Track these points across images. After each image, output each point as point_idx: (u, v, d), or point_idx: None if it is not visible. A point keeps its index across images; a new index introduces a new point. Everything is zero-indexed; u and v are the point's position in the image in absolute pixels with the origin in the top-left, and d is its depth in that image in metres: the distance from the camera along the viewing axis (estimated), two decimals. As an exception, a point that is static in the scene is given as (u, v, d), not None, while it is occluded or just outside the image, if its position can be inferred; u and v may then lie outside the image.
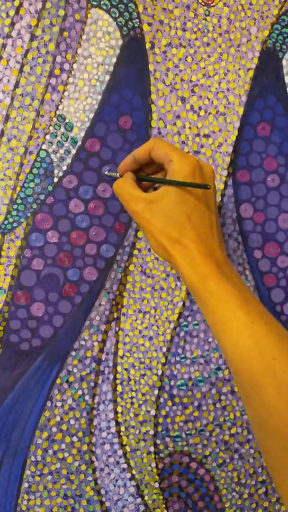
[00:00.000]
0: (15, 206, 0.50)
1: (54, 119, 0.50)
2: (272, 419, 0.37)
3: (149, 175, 0.49)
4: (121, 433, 0.54)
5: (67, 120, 0.50)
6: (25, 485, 0.52)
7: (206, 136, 0.53)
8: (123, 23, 0.50)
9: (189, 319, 0.55)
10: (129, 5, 0.50)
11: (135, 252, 0.53)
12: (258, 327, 0.40)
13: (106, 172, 0.51)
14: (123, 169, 0.48)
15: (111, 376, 0.53)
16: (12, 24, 0.48)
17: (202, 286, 0.42)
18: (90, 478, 0.54)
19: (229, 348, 0.40)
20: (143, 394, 0.54)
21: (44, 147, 0.50)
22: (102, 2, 0.50)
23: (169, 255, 0.44)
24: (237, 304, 0.41)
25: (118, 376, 0.54)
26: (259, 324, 0.40)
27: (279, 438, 0.37)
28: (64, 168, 0.50)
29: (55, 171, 0.50)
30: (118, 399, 0.54)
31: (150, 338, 0.54)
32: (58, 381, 0.52)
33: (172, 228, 0.43)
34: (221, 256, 0.44)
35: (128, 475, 0.55)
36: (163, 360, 0.55)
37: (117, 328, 0.53)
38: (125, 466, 0.55)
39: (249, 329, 0.39)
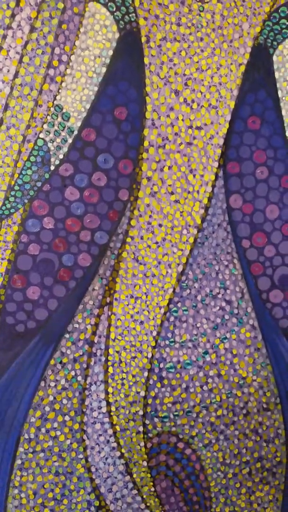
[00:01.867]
0: (12, 193, 0.52)
1: (52, 109, 0.52)
2: None
3: None
4: (112, 413, 0.56)
5: (64, 110, 0.52)
6: (18, 461, 0.54)
7: (199, 128, 0.55)
8: (119, 17, 0.52)
9: (179, 304, 0.57)
10: (126, -1, 0.52)
11: (128, 239, 0.55)
12: None
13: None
14: None
15: (103, 358, 0.56)
16: (13, 15, 0.50)
17: None
18: (81, 456, 0.56)
19: None
20: (134, 376, 0.56)
21: (41, 135, 0.52)
22: (100, -4, 0.51)
23: None
24: None
25: (109, 358, 0.56)
26: None
27: None
28: (61, 156, 0.52)
29: (52, 159, 0.52)
30: (109, 380, 0.56)
31: (141, 322, 0.56)
32: (52, 362, 0.54)
33: None
34: None
35: (118, 453, 0.57)
36: (153, 344, 0.57)
37: (109, 312, 0.55)
38: (115, 445, 0.57)
39: None
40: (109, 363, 0.56)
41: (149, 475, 0.58)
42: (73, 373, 0.55)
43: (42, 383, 0.54)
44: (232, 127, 0.56)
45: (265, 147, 0.56)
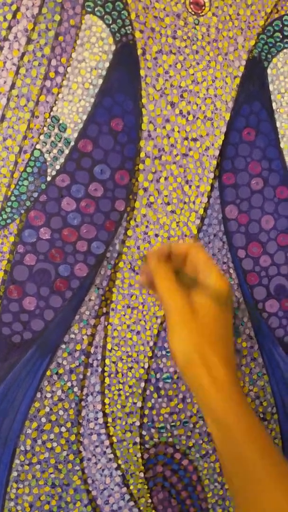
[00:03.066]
0: (9, 203, 0.52)
1: (48, 120, 0.52)
2: None
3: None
4: (108, 424, 0.56)
5: (60, 121, 0.52)
6: (14, 473, 0.54)
7: (194, 139, 0.56)
8: (116, 30, 0.52)
9: (175, 315, 0.57)
10: (122, 12, 0.52)
11: (125, 249, 0.55)
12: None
13: (141, 254, 0.52)
14: (157, 256, 0.46)
15: (100, 369, 0.55)
16: (9, 27, 0.50)
17: (222, 407, 0.40)
18: (77, 468, 0.56)
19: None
20: (130, 387, 0.56)
21: (38, 146, 0.52)
22: (96, 9, 0.52)
23: (192, 366, 0.42)
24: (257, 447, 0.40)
25: (106, 368, 0.56)
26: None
27: None
28: (57, 167, 0.52)
29: (49, 170, 0.52)
30: (106, 391, 0.56)
31: (138, 333, 0.56)
32: (48, 373, 0.54)
33: (205, 344, 0.42)
34: (235, 377, 0.43)
35: (114, 465, 0.57)
36: (149, 354, 0.57)
37: (106, 323, 0.55)
38: (111, 456, 0.57)
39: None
40: (106, 374, 0.56)
41: (146, 487, 0.58)
42: (69, 384, 0.55)
43: (38, 394, 0.54)
44: (227, 138, 0.56)
45: (260, 158, 0.57)
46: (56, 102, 0.52)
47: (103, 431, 0.56)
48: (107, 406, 0.56)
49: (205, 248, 0.48)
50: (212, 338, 0.43)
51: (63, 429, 0.55)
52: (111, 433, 0.56)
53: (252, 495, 0.39)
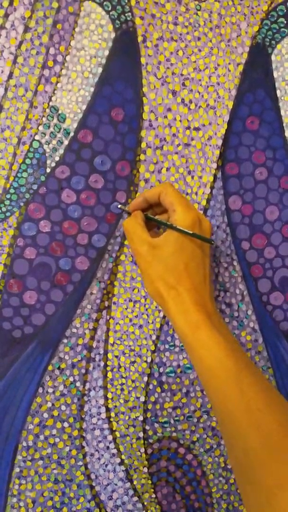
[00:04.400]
0: (8, 196, 0.51)
1: (47, 110, 0.51)
2: (254, 470, 0.38)
3: (157, 214, 0.51)
4: (111, 419, 0.55)
5: (60, 111, 0.51)
6: (17, 469, 0.53)
7: (196, 129, 0.54)
8: (115, 17, 0.51)
9: (178, 308, 0.56)
10: (122, -2, 0.51)
11: (126, 242, 0.54)
12: (245, 377, 0.41)
13: (118, 206, 0.53)
14: (133, 207, 0.50)
15: (102, 363, 0.55)
16: (6, 15, 0.49)
17: (192, 334, 0.43)
18: (80, 463, 0.55)
19: (215, 397, 0.42)
20: (133, 381, 0.56)
21: (37, 137, 0.51)
22: (95, -5, 0.50)
23: (164, 300, 0.45)
24: (225, 353, 0.42)
25: (108, 363, 0.55)
26: (246, 374, 0.41)
27: (261, 489, 0.37)
28: (57, 158, 0.51)
29: (48, 162, 0.51)
30: (109, 386, 0.55)
31: (140, 326, 0.55)
32: (50, 368, 0.53)
33: (170, 275, 0.45)
34: (212, 307, 0.46)
35: (118, 460, 0.56)
36: (152, 348, 0.56)
37: (108, 317, 0.54)
38: (114, 451, 0.56)
39: (236, 378, 0.41)
40: (108, 368, 0.55)
41: (149, 482, 0.57)
42: (71, 379, 0.54)
43: (40, 390, 0.53)
44: (230, 127, 0.55)
45: (264, 148, 0.56)
46: (55, 91, 0.51)
47: (106, 426, 0.55)
48: (110, 401, 0.55)
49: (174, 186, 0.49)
50: (176, 268, 0.45)
51: (65, 424, 0.54)
52: (114, 428, 0.56)
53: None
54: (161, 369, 0.56)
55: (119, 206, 0.52)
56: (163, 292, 0.45)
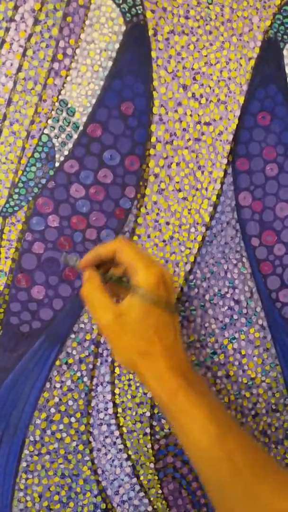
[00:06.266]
0: (16, 190, 0.50)
1: (57, 103, 0.50)
2: None
3: (109, 270, 0.48)
4: (118, 415, 0.55)
5: (69, 105, 0.51)
6: (24, 464, 0.54)
7: (207, 124, 0.54)
8: (126, 9, 0.50)
9: (187, 304, 0.56)
10: (133, -9, 0.50)
11: (135, 238, 0.54)
12: (229, 441, 0.40)
13: (63, 258, 0.48)
14: (85, 263, 0.46)
15: (110, 359, 0.55)
16: (16, 7, 0.48)
17: (171, 402, 0.42)
18: (87, 458, 0.55)
19: (201, 462, 0.41)
20: (140, 377, 0.55)
21: (46, 131, 0.50)
22: (106, -12, 0.50)
23: (137, 369, 0.43)
24: (207, 418, 0.41)
25: (116, 359, 0.55)
26: (230, 438, 0.40)
27: None
28: (66, 152, 0.51)
29: (57, 156, 0.51)
30: (116, 381, 0.55)
31: (148, 323, 0.55)
32: (58, 363, 0.53)
33: (140, 342, 0.42)
34: (186, 365, 0.44)
35: (124, 455, 0.56)
36: (160, 344, 0.56)
37: (115, 312, 0.54)
38: (121, 446, 0.56)
39: (220, 443, 0.40)
40: (116, 364, 0.55)
41: (156, 477, 0.57)
42: (79, 374, 0.54)
43: (48, 384, 0.53)
44: (241, 122, 0.54)
45: (275, 143, 0.55)
46: (65, 85, 0.50)
47: (113, 421, 0.55)
48: (117, 396, 0.55)
49: (131, 242, 0.46)
50: (146, 334, 0.42)
51: (72, 419, 0.54)
52: (121, 424, 0.56)
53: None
54: (169, 365, 0.56)
55: (63, 258, 0.47)
56: (136, 361, 0.42)
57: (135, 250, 0.44)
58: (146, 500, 0.57)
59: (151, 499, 0.57)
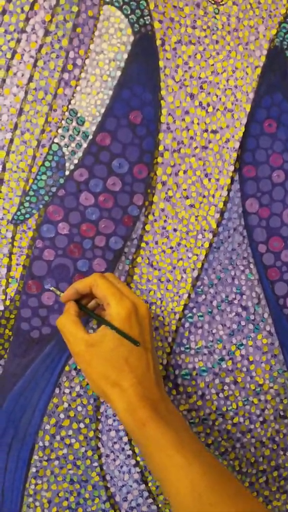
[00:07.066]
0: (27, 198, 0.51)
1: (66, 113, 0.51)
2: None
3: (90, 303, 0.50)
4: (127, 421, 0.56)
5: (79, 115, 0.51)
6: (33, 469, 0.54)
7: (214, 132, 0.54)
8: (134, 20, 0.51)
9: (194, 310, 0.56)
10: (141, 2, 0.51)
11: (143, 244, 0.54)
12: (196, 471, 0.41)
13: (51, 288, 0.52)
14: (65, 298, 0.49)
15: (118, 365, 0.55)
16: (27, 19, 0.49)
17: (139, 432, 0.43)
18: (96, 464, 0.56)
19: (169, 491, 0.42)
20: (149, 383, 0.56)
21: (56, 140, 0.51)
22: (114, -1, 0.51)
23: (108, 398, 0.44)
24: (175, 448, 0.42)
25: (124, 364, 0.55)
26: (197, 467, 0.41)
27: None
28: (76, 161, 0.52)
29: (67, 164, 0.52)
30: (125, 387, 0.55)
31: (156, 329, 0.56)
32: (67, 368, 0.54)
33: (111, 372, 0.44)
34: (157, 394, 0.45)
35: (133, 461, 0.56)
36: (168, 350, 0.56)
37: (124, 318, 0.55)
38: (130, 452, 0.56)
39: (187, 473, 0.41)
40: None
41: (164, 484, 0.57)
42: (88, 380, 0.54)
43: (57, 390, 0.54)
44: (248, 130, 0.55)
45: (281, 151, 0.56)
46: (74, 95, 0.51)
47: (121, 427, 0.56)
48: (125, 403, 0.55)
49: (106, 276, 0.48)
50: (117, 363, 0.44)
51: (81, 425, 0.55)
52: (129, 430, 0.56)
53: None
54: (177, 372, 0.56)
55: (51, 288, 0.51)
56: (107, 390, 0.44)
57: (108, 284, 0.47)
58: (154, 507, 0.57)
59: (159, 505, 0.57)
